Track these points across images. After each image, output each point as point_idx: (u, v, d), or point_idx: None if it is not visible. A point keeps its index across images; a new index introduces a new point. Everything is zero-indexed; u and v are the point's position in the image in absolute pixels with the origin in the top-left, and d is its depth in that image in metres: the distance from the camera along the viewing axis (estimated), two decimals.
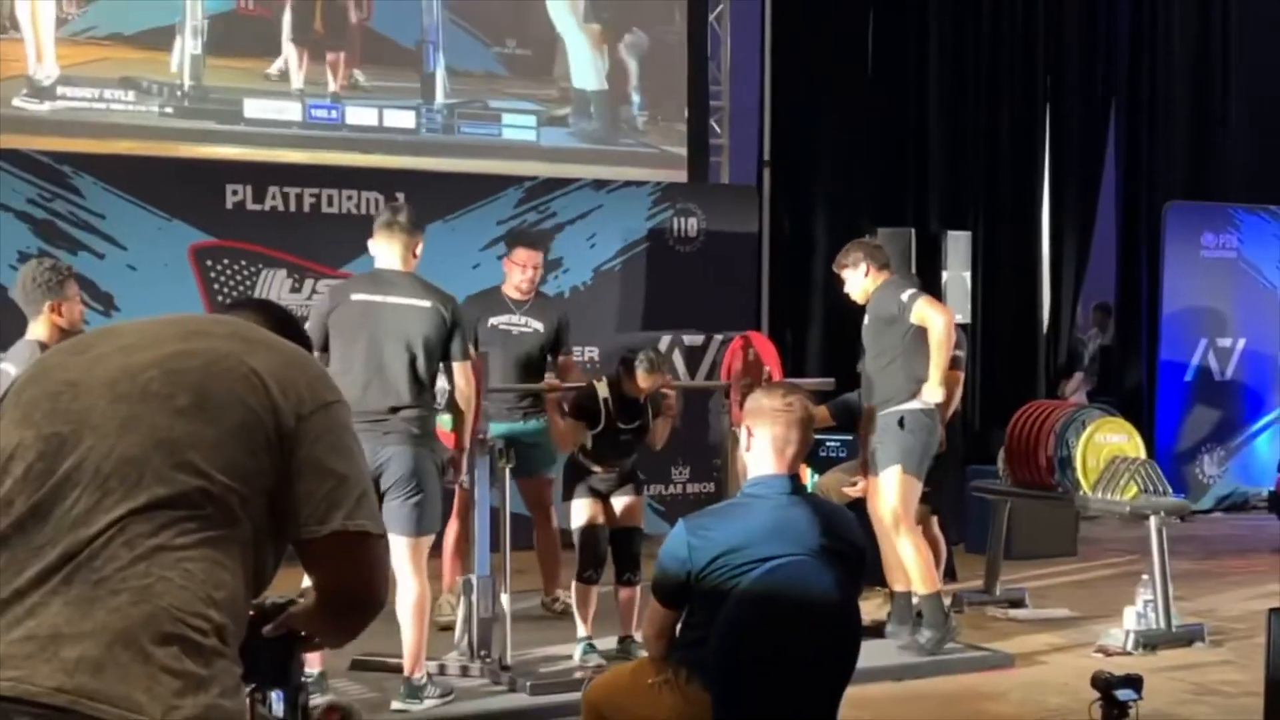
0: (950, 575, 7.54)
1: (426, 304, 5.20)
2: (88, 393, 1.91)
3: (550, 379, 6.67)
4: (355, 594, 2.01)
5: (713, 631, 3.35)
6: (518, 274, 6.72)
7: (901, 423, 6.13)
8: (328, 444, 1.96)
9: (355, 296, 5.24)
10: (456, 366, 5.28)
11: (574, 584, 6.01)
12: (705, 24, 10.52)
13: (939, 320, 6.08)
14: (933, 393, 6.10)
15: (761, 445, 3.55)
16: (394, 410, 5.11)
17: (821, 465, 7.73)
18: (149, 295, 7.65)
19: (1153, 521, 6.52)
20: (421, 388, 5.19)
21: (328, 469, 1.95)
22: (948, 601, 6.98)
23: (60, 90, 8.55)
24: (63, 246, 7.60)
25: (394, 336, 5.15)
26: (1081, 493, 6.81)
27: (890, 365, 6.21)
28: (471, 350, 5.77)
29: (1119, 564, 8.49)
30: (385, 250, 5.32)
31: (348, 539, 1.95)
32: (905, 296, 6.15)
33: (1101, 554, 8.92)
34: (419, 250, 5.36)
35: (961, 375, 6.88)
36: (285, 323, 2.26)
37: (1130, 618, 6.44)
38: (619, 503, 6.03)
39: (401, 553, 5.13)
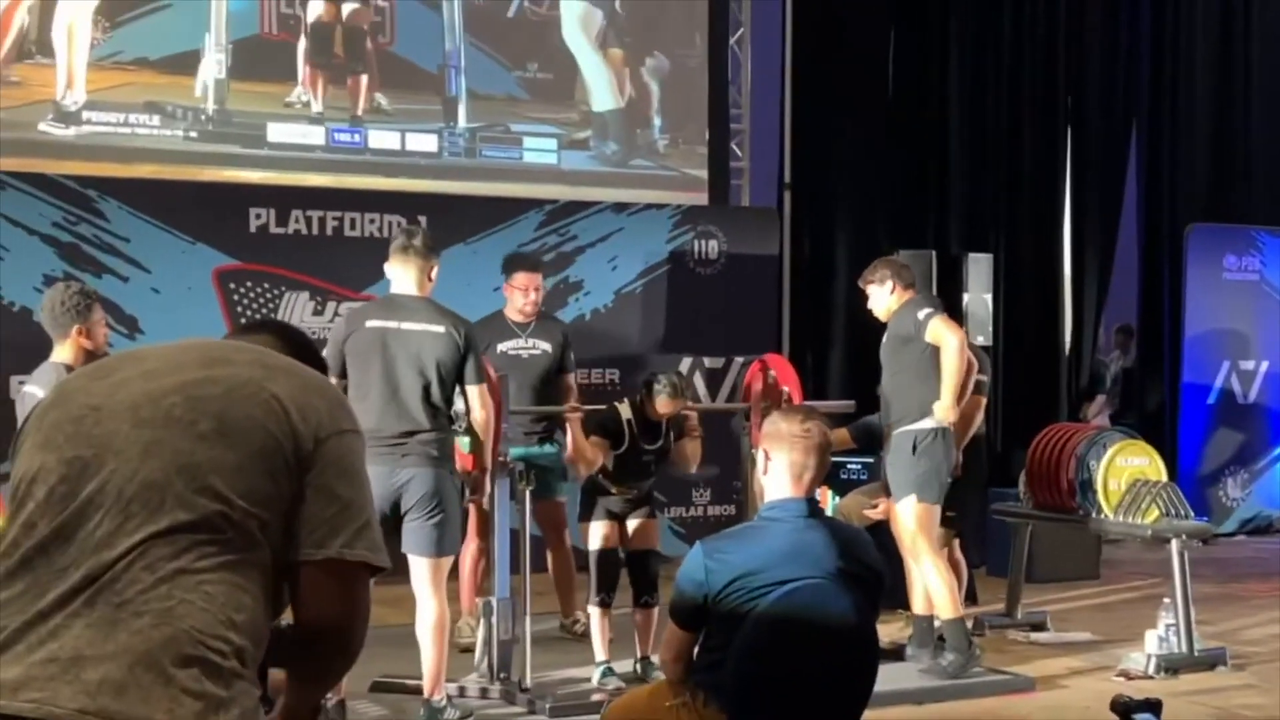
0: (971, 598, 7.53)
1: (440, 329, 5.24)
2: (110, 417, 1.93)
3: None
4: (335, 629, 1.97)
5: (730, 654, 3.37)
6: (519, 298, 6.74)
7: (914, 446, 6.13)
8: (338, 470, 1.98)
9: (370, 323, 5.27)
10: (472, 390, 5.30)
11: (589, 607, 6.03)
12: (726, 48, 10.57)
13: (952, 340, 6.09)
14: (944, 413, 6.10)
15: (779, 469, 3.57)
16: (410, 434, 5.15)
17: (842, 487, 7.73)
18: (173, 318, 7.70)
19: (1174, 545, 6.50)
20: (437, 412, 5.22)
21: (335, 494, 1.96)
22: (969, 624, 6.99)
23: (85, 115, 8.63)
24: (88, 269, 7.66)
25: (409, 362, 5.19)
26: (1103, 516, 6.79)
27: (905, 384, 6.22)
28: (492, 373, 5.81)
29: (1141, 587, 8.45)
30: (401, 274, 5.36)
31: (343, 567, 1.95)
32: (921, 315, 6.16)
33: (1124, 577, 8.89)
34: (434, 274, 5.39)
35: (984, 400, 6.87)
36: (302, 347, 2.28)
37: (1152, 641, 6.42)
38: (634, 525, 6.04)
39: (422, 573, 5.17)
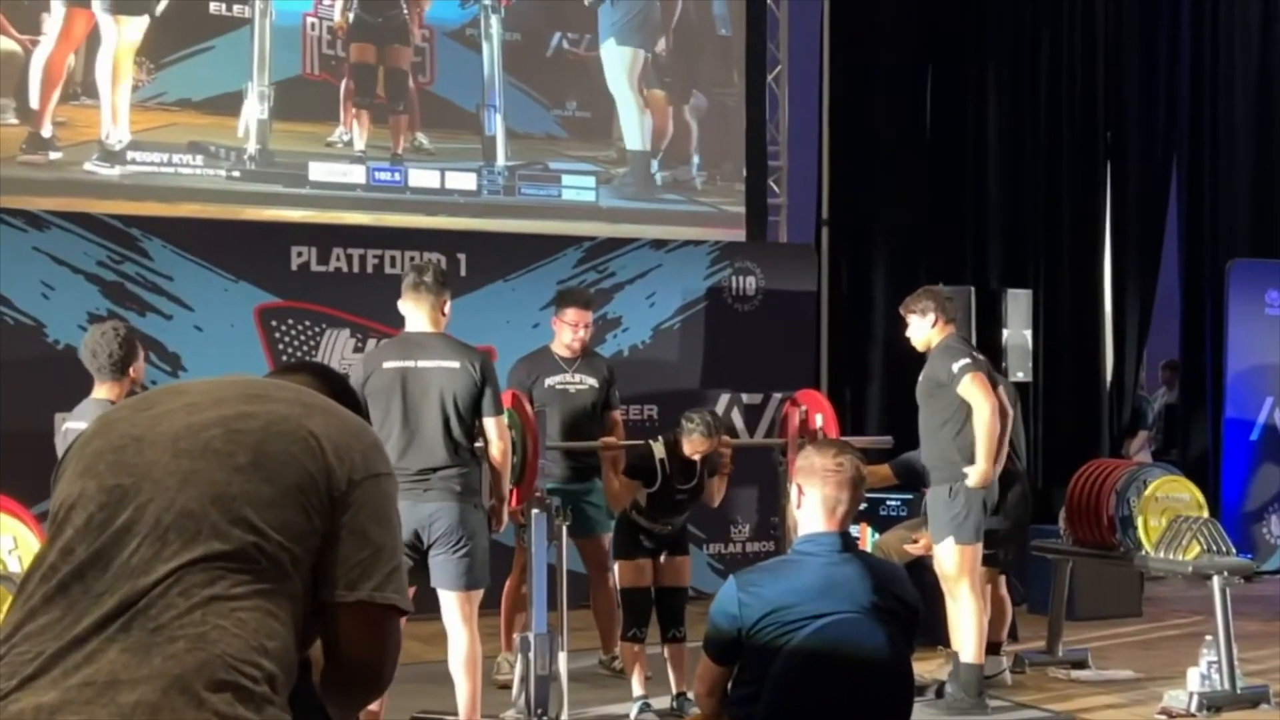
0: (1013, 636, 7.49)
1: (455, 364, 5.27)
2: (150, 447, 1.97)
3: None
4: (366, 666, 2.02)
5: (763, 689, 3.37)
6: (569, 333, 6.76)
7: (950, 490, 6.12)
8: (372, 512, 2.01)
9: (387, 364, 5.31)
10: (489, 422, 5.33)
11: (621, 644, 6.04)
12: (764, 85, 10.63)
13: (984, 407, 6.03)
14: (978, 478, 6.07)
15: (812, 504, 3.56)
16: (433, 470, 5.19)
17: (881, 524, 7.74)
18: (215, 355, 7.79)
19: (1216, 581, 6.45)
20: (458, 447, 5.26)
21: (368, 537, 1.99)
22: (1009, 661, 6.96)
23: (130, 155, 8.76)
24: (132, 308, 7.76)
25: (427, 400, 5.23)
26: (1143, 552, 6.75)
27: (939, 433, 6.19)
28: (528, 408, 5.84)
29: (1184, 624, 8.38)
30: (413, 311, 5.40)
31: (373, 610, 1.99)
32: (956, 368, 6.10)
33: (1166, 614, 8.81)
34: (447, 308, 5.43)
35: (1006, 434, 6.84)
36: (342, 389, 2.32)
37: (1194, 679, 6.36)
38: (668, 562, 6.06)
39: (452, 607, 5.19)
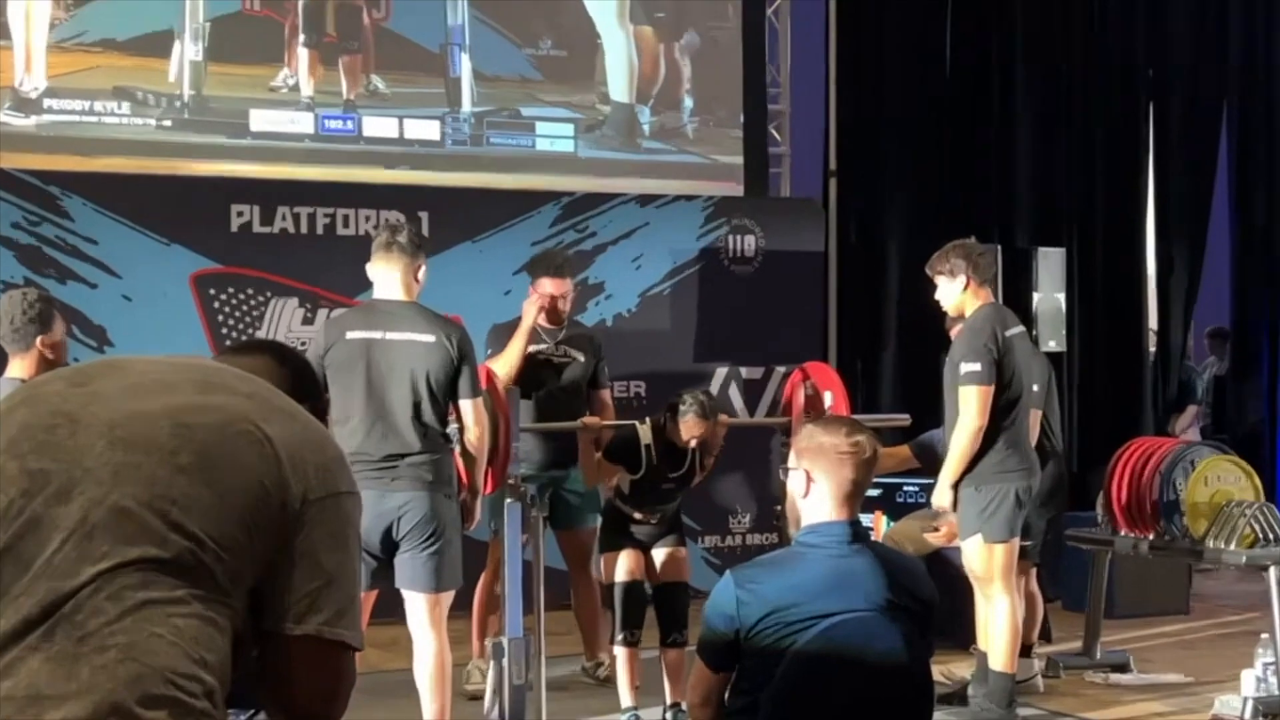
0: (1045, 637, 7.52)
1: (430, 338, 5.24)
2: (85, 430, 1.94)
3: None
4: (314, 704, 2.02)
5: (763, 697, 3.38)
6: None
7: (978, 488, 6.11)
8: (326, 535, 2.00)
9: (351, 334, 5.27)
10: (465, 405, 5.30)
11: (614, 648, 6.05)
12: (763, 20, 10.61)
13: (969, 426, 6.01)
14: (937, 498, 6.12)
15: (821, 490, 3.54)
16: (400, 457, 5.17)
17: (898, 511, 7.78)
18: (146, 328, 7.79)
19: (1272, 573, 6.48)
20: (428, 431, 5.22)
21: (319, 564, 1.98)
22: (1042, 665, 7.00)
23: (47, 103, 8.73)
24: (51, 275, 7.75)
25: (395, 378, 5.20)
26: (1191, 541, 6.79)
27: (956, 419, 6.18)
28: (500, 386, 5.84)
29: (1236, 622, 8.44)
30: (384, 275, 5.36)
31: (321, 646, 1.98)
32: (964, 371, 6.05)
33: (1217, 611, 8.88)
34: (422, 274, 5.39)
35: (1038, 413, 6.77)
36: (302, 375, 2.32)
37: (1248, 683, 6.39)
38: (661, 555, 6.07)
39: (419, 610, 5.19)
